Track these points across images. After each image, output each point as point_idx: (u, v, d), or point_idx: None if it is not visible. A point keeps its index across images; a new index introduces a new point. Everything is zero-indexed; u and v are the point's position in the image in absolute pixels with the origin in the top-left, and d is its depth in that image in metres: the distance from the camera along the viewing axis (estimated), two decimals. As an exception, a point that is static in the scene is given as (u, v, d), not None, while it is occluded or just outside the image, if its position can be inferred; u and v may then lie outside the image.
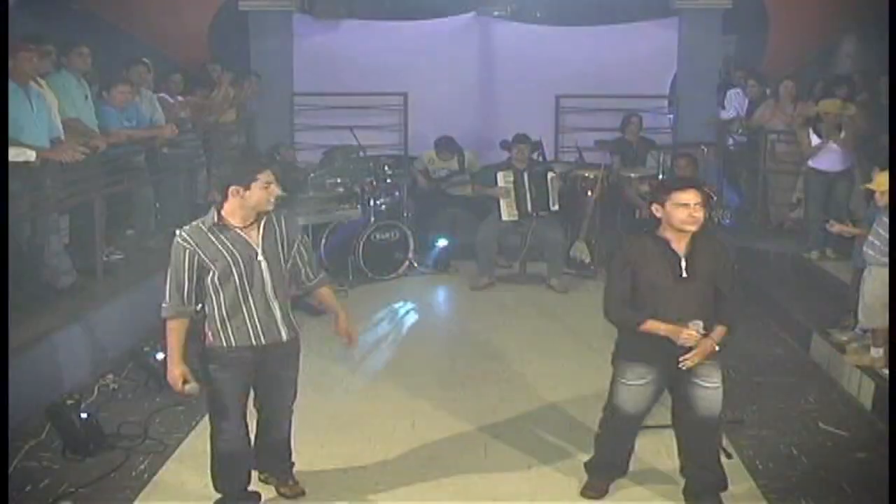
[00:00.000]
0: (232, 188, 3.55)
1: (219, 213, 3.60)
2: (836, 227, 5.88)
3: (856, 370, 5.30)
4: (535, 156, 8.49)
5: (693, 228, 3.58)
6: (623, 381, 3.79)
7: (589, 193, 8.48)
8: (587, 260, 8.22)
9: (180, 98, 8.17)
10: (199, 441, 4.60)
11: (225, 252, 3.57)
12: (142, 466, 4.31)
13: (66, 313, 5.37)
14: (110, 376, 5.42)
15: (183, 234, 3.59)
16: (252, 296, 3.62)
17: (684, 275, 3.59)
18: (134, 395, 5.23)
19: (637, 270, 3.63)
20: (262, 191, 3.56)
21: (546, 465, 4.36)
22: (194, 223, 3.65)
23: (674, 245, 3.62)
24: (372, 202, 8.21)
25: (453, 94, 10.09)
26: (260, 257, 3.62)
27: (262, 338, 3.66)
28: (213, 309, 3.63)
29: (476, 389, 5.41)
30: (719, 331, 3.69)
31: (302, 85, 10.21)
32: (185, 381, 3.67)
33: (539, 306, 7.40)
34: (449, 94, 10.06)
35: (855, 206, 7.41)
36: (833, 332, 5.78)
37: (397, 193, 8.79)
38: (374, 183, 8.38)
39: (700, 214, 3.55)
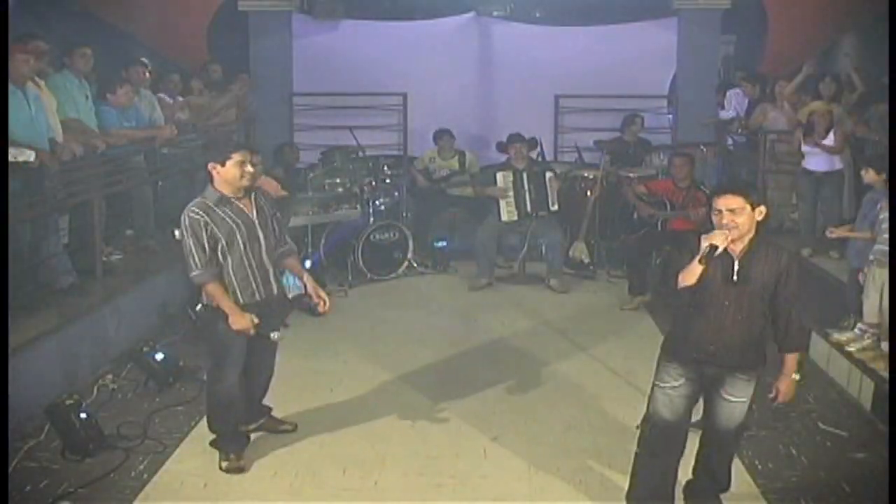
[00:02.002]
0: (210, 165, 4.15)
1: (217, 190, 4.13)
2: (834, 234, 5.89)
3: (855, 370, 5.31)
4: (534, 155, 8.49)
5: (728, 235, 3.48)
6: (659, 384, 3.70)
7: (588, 194, 8.49)
8: (586, 260, 8.23)
9: (180, 98, 8.17)
10: (198, 442, 4.61)
11: (230, 222, 4.11)
12: (141, 466, 4.31)
13: (65, 313, 5.36)
14: (110, 376, 5.43)
15: (195, 209, 4.08)
16: (253, 258, 4.18)
17: (735, 278, 3.52)
18: (133, 396, 5.23)
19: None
20: (235, 168, 4.09)
21: (545, 466, 4.36)
22: (198, 200, 4.14)
23: (730, 247, 3.52)
24: (371, 202, 8.21)
25: (453, 94, 10.09)
26: (257, 225, 4.19)
27: (262, 294, 4.23)
28: (222, 272, 4.13)
29: (476, 390, 5.41)
30: (791, 362, 3.64)
31: (301, 85, 10.21)
32: (255, 325, 4.14)
33: (538, 306, 7.40)
34: (448, 95, 10.06)
35: (847, 205, 7.42)
36: (832, 332, 5.79)
37: (397, 193, 8.80)
38: (374, 183, 8.38)
39: (732, 221, 3.45)
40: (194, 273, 4.08)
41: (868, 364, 5.27)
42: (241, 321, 4.11)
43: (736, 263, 3.53)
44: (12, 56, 5.20)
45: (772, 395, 3.71)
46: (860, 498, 4.08)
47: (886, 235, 5.13)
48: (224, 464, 4.29)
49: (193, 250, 4.04)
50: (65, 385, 5.10)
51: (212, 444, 4.40)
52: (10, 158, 5.03)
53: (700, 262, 3.44)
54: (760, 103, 8.94)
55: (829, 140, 7.30)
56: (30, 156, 5.21)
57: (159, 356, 5.39)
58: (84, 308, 5.55)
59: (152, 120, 7.26)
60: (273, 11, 10.05)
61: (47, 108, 5.64)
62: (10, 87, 5.17)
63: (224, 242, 4.08)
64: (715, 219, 3.52)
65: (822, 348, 5.82)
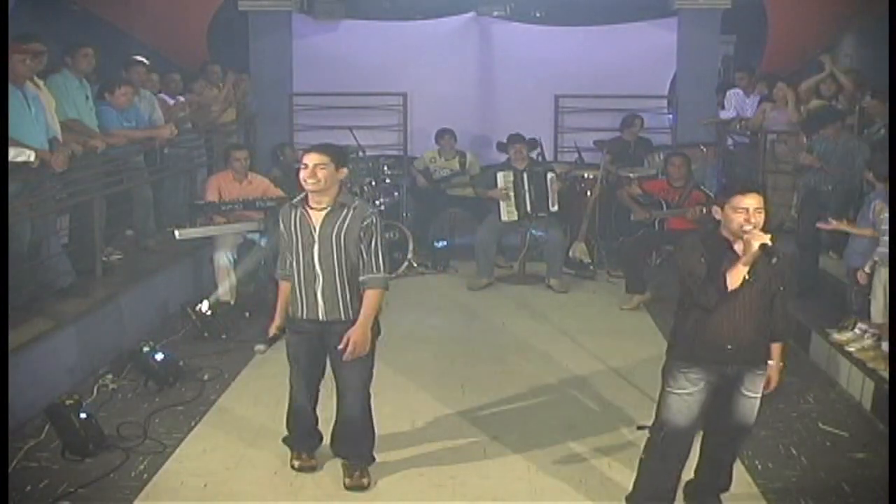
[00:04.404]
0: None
1: (307, 194, 3.95)
2: (826, 225, 5.88)
3: (856, 370, 5.30)
4: (534, 156, 8.50)
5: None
6: (676, 390, 3.64)
7: (588, 194, 8.49)
8: (586, 260, 8.23)
9: (181, 98, 8.18)
10: (198, 442, 4.61)
11: (292, 229, 3.96)
12: (141, 467, 4.30)
13: (65, 314, 5.36)
14: (109, 377, 5.42)
15: (284, 206, 4.06)
16: (304, 273, 3.95)
17: (748, 277, 3.49)
18: (133, 396, 5.23)
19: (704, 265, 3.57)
20: (302, 171, 3.88)
21: (546, 466, 4.36)
22: (295, 199, 4.02)
23: (735, 247, 3.53)
24: (371, 202, 8.21)
25: (453, 94, 10.10)
26: (317, 240, 3.91)
27: (305, 313, 3.99)
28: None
29: (476, 389, 5.41)
30: (779, 351, 3.73)
31: (301, 85, 10.22)
32: (276, 332, 4.10)
33: (538, 306, 7.40)
34: (448, 95, 10.06)
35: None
36: (832, 332, 5.78)
37: (397, 193, 8.80)
38: (374, 183, 8.38)
39: (758, 220, 3.45)
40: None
41: (868, 364, 5.27)
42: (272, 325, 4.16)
43: None
44: (9, 56, 5.19)
45: (763, 385, 3.73)
46: (860, 498, 4.07)
47: (886, 238, 5.13)
48: (295, 462, 4.26)
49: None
50: (65, 385, 5.10)
51: (283, 440, 4.37)
52: (10, 158, 5.03)
53: (747, 261, 3.41)
54: (761, 103, 8.95)
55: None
56: (30, 156, 5.20)
57: (159, 356, 5.39)
58: (84, 308, 5.55)
59: (152, 120, 7.26)
60: (273, 11, 10.06)
61: (47, 109, 5.64)
62: (10, 87, 5.17)
63: (286, 249, 4.03)
64: (738, 217, 3.46)
65: (822, 348, 5.82)
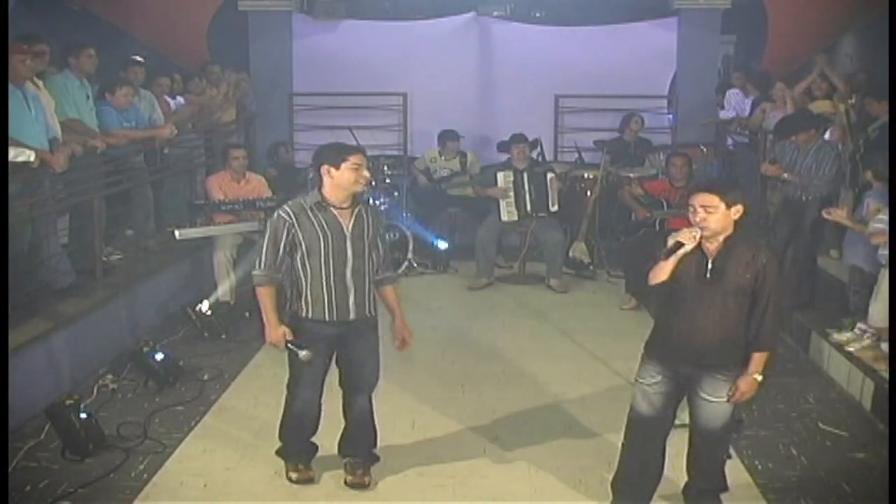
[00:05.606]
0: (324, 167, 3.84)
1: (321, 194, 3.87)
2: (831, 215, 5.86)
3: (856, 370, 5.31)
4: (534, 156, 8.50)
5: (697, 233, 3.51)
6: (638, 380, 3.77)
7: (588, 194, 8.49)
8: (586, 260, 8.23)
9: (180, 99, 8.18)
10: (198, 441, 4.62)
11: (319, 231, 3.84)
12: (141, 467, 4.31)
13: (65, 314, 5.36)
14: (109, 377, 5.42)
15: (286, 209, 3.87)
16: (333, 275, 3.88)
17: (708, 276, 3.51)
18: (133, 396, 5.23)
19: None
20: (350, 172, 3.81)
21: (546, 465, 4.36)
22: (297, 200, 3.92)
23: (705, 245, 3.54)
24: (371, 202, 8.20)
25: (453, 94, 10.10)
26: (348, 241, 3.88)
27: (334, 314, 3.92)
28: (299, 282, 3.92)
29: (476, 389, 5.41)
30: (757, 362, 3.55)
31: (301, 85, 10.22)
32: (287, 340, 3.91)
33: (538, 306, 7.40)
34: (449, 94, 10.06)
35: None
36: (832, 332, 5.78)
37: (397, 193, 8.79)
38: (374, 183, 8.37)
39: (703, 219, 3.46)
40: (255, 272, 3.92)
41: (868, 364, 5.27)
42: (272, 334, 3.92)
43: (709, 262, 3.53)
44: (9, 56, 5.19)
45: (729, 392, 3.59)
46: (860, 498, 4.08)
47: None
48: (293, 475, 4.14)
49: (264, 249, 3.87)
50: (65, 385, 5.10)
51: (277, 453, 4.23)
52: (10, 158, 5.04)
53: (665, 258, 3.50)
54: (760, 103, 8.94)
55: (827, 136, 7.29)
56: (30, 156, 5.21)
57: (159, 356, 5.39)
58: (84, 308, 5.55)
59: (152, 120, 7.26)
60: (273, 11, 10.06)
61: (47, 109, 5.64)
62: (10, 87, 5.16)
63: (305, 250, 3.85)
64: (690, 216, 3.56)
65: (822, 348, 5.82)
